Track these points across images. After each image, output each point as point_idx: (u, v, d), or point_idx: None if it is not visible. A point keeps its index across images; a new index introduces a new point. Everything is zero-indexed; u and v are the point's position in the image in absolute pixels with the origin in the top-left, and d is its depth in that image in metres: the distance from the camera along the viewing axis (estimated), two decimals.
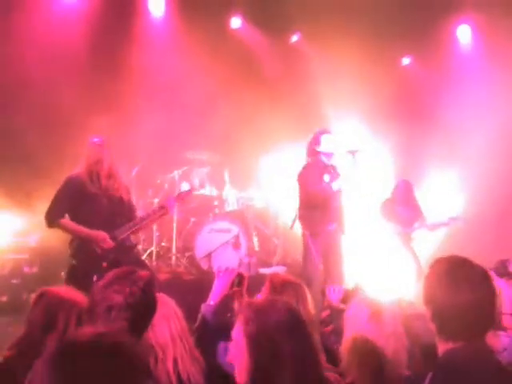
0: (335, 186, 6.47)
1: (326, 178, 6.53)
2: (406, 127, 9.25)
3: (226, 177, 9.17)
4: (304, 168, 6.68)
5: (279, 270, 8.16)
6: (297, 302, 3.35)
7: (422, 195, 8.30)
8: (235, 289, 3.65)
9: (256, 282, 4.05)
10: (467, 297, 2.31)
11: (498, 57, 9.17)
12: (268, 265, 8.78)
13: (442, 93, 9.41)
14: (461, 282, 2.34)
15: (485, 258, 3.15)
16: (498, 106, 9.10)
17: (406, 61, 10.16)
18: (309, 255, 6.43)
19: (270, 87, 9.50)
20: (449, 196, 9.24)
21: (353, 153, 6.39)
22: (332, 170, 6.65)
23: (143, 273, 2.76)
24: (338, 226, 6.62)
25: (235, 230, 8.17)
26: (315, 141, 6.68)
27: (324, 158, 6.62)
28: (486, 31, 9.43)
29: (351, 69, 8.99)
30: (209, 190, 8.93)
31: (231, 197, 9.02)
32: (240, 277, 3.68)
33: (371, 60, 9.05)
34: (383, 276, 7.10)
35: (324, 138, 6.65)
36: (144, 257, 8.22)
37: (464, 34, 9.90)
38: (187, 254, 8.46)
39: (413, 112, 9.50)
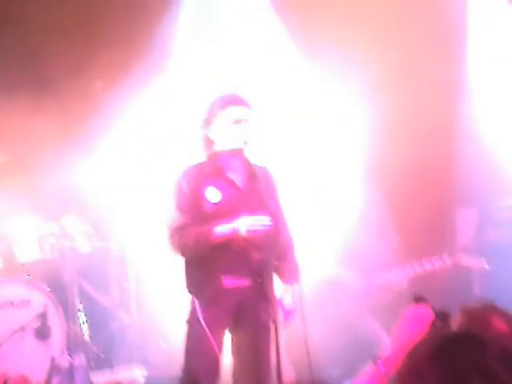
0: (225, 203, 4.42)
1: (213, 194, 4.43)
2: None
3: (19, 194, 6.34)
4: (177, 180, 4.55)
5: (132, 375, 6.21)
6: None
7: None
8: None
9: None
10: None
11: None
12: (108, 365, 6.53)
13: None
14: (469, 372, 1.93)
15: None
16: None
17: None
18: (196, 340, 4.43)
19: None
20: None
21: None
22: (231, 176, 4.50)
23: None
24: (257, 279, 4.41)
25: (40, 301, 6.05)
26: (209, 118, 4.46)
27: (223, 156, 4.51)
28: None
29: None
30: None
31: (29, 232, 6.51)
32: None
33: None
34: None
35: (226, 115, 4.45)
36: None
37: None
38: None
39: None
